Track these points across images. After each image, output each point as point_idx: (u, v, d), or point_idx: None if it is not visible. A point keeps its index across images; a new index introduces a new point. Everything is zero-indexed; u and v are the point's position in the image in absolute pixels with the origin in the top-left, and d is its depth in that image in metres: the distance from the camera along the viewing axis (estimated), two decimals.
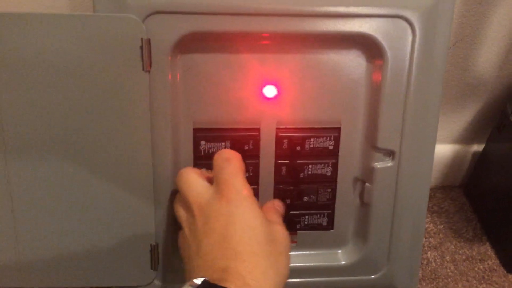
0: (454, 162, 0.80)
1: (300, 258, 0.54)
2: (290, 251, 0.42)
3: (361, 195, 0.52)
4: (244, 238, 0.38)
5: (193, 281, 0.34)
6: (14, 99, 0.44)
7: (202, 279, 0.34)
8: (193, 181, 0.43)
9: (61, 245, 0.49)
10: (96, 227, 0.48)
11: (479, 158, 0.78)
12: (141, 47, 0.43)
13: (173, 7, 0.43)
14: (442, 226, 0.75)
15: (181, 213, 0.44)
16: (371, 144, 0.50)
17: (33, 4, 0.54)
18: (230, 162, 0.43)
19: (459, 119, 0.76)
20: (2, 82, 0.43)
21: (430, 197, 0.81)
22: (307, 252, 0.54)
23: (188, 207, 0.42)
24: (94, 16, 0.42)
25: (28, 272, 0.49)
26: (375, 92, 0.48)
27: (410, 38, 0.46)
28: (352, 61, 0.48)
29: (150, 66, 0.44)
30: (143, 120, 0.45)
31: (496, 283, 0.66)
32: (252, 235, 0.38)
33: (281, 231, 0.42)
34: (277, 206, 0.48)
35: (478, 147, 0.79)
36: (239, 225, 0.38)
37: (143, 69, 0.44)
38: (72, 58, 0.43)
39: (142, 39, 0.43)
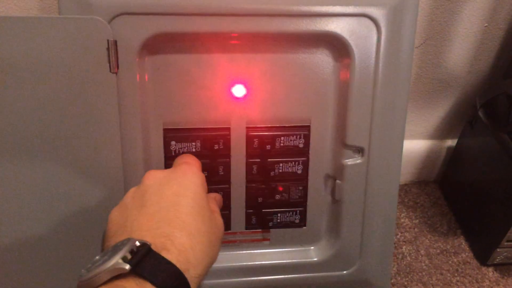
0: (429, 158, 0.81)
1: (274, 255, 0.55)
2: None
3: (333, 192, 0.53)
4: (193, 212, 0.37)
5: (133, 240, 0.33)
6: None
7: (143, 241, 0.33)
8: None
9: (44, 242, 0.48)
10: (70, 228, 0.48)
11: (452, 153, 0.80)
12: (108, 49, 0.43)
13: (139, 8, 0.43)
14: (417, 221, 0.77)
15: (129, 190, 0.42)
16: (341, 142, 0.51)
17: (4, 5, 0.54)
18: (189, 159, 0.44)
19: (432, 114, 0.77)
20: None
21: (406, 192, 0.82)
22: (280, 250, 0.55)
23: (140, 183, 0.42)
24: (60, 18, 0.42)
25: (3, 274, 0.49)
26: (343, 90, 0.49)
27: (375, 36, 0.47)
28: (320, 60, 0.49)
29: (118, 67, 0.44)
30: (112, 122, 0.45)
31: (470, 276, 0.68)
32: (199, 212, 0.38)
33: (219, 219, 0.42)
34: (217, 197, 0.48)
35: (452, 142, 0.80)
36: (191, 199, 0.38)
37: (110, 71, 0.44)
38: (39, 60, 0.42)
39: (108, 40, 0.43)
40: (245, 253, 0.54)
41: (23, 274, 0.49)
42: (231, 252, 0.54)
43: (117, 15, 0.43)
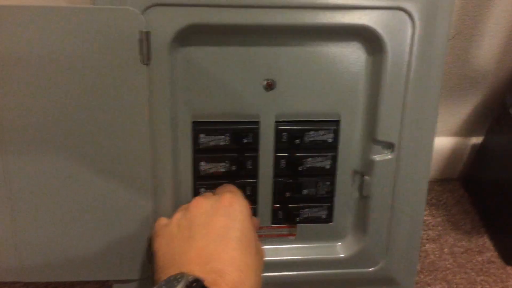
0: (453, 155, 0.80)
1: (299, 251, 0.54)
2: None
3: (360, 188, 0.52)
4: (241, 247, 0.38)
5: (186, 275, 0.33)
6: (12, 94, 0.43)
7: (196, 277, 0.33)
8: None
9: (60, 239, 0.48)
10: (95, 221, 0.48)
11: (478, 151, 0.78)
12: (140, 40, 0.43)
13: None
14: (440, 219, 0.76)
15: (174, 216, 0.43)
16: (371, 137, 0.50)
17: None
18: (232, 188, 0.45)
19: (458, 111, 0.76)
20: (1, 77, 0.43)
21: (429, 190, 0.81)
22: (306, 245, 0.55)
23: (185, 209, 0.42)
24: (92, 9, 0.42)
25: (27, 266, 0.49)
26: (374, 84, 0.48)
27: (410, 30, 0.46)
28: (352, 54, 0.48)
29: (149, 59, 0.44)
30: (142, 114, 0.45)
31: (495, 275, 0.67)
32: (248, 246, 0.38)
33: (261, 247, 0.43)
34: (256, 223, 0.48)
35: (477, 140, 0.79)
36: (239, 231, 0.39)
37: (142, 62, 0.43)
38: (70, 51, 0.42)
39: (141, 31, 0.42)
40: (270, 248, 0.54)
41: (45, 270, 0.49)
42: None
43: (151, 6, 0.43)
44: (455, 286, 0.65)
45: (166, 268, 0.37)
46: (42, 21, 0.41)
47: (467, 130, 0.79)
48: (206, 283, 0.33)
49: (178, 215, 0.41)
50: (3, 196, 0.46)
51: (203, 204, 0.41)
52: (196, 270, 0.35)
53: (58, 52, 0.42)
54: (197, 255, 0.37)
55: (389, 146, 0.50)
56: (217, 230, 0.38)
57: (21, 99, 0.44)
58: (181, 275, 0.33)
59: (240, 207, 0.41)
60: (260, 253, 0.41)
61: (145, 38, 0.43)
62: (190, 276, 0.33)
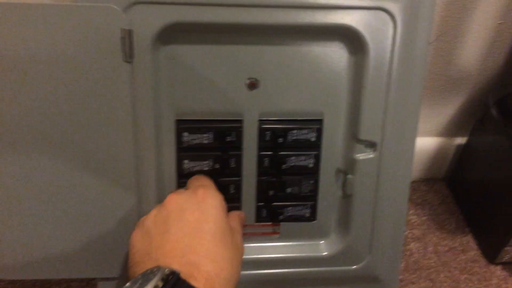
0: (438, 155, 0.81)
1: (283, 249, 0.54)
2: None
3: (344, 187, 0.53)
4: (215, 239, 0.38)
5: (162, 268, 0.34)
6: None
7: (172, 269, 0.34)
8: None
9: (44, 237, 0.48)
10: (79, 219, 0.48)
11: (462, 151, 0.79)
12: (122, 38, 0.43)
13: None
14: (425, 218, 0.76)
15: (149, 213, 0.43)
16: (353, 136, 0.50)
17: None
18: (204, 181, 0.45)
19: (443, 112, 0.77)
20: None
21: (414, 190, 0.82)
22: (289, 243, 0.55)
23: (160, 206, 0.42)
24: (74, 6, 0.42)
25: (11, 264, 0.49)
26: (357, 84, 0.49)
27: (391, 30, 0.47)
28: (334, 53, 0.48)
29: (132, 57, 0.44)
30: (125, 112, 0.45)
31: (478, 273, 0.68)
32: (222, 238, 0.39)
33: (240, 240, 0.44)
34: (241, 215, 0.49)
35: (461, 140, 0.80)
36: (213, 224, 0.39)
37: (124, 60, 0.43)
38: (52, 49, 0.42)
39: (123, 29, 0.42)
40: (254, 246, 0.54)
41: (30, 268, 0.49)
42: None
43: (133, 4, 0.43)
44: (439, 284, 0.66)
45: (142, 263, 0.37)
46: (23, 18, 0.41)
47: (451, 130, 0.80)
48: (182, 275, 0.33)
49: (153, 212, 0.42)
50: None
51: (177, 200, 0.41)
52: (172, 263, 0.35)
53: (40, 50, 0.42)
54: (172, 248, 0.37)
55: (372, 145, 0.50)
56: (191, 224, 0.38)
57: (5, 97, 0.43)
58: (157, 268, 0.33)
59: (213, 201, 0.41)
60: (236, 245, 0.41)
61: (128, 36, 0.43)
62: (166, 268, 0.33)
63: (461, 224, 0.76)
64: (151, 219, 0.41)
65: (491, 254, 0.69)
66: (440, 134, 0.80)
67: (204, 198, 0.41)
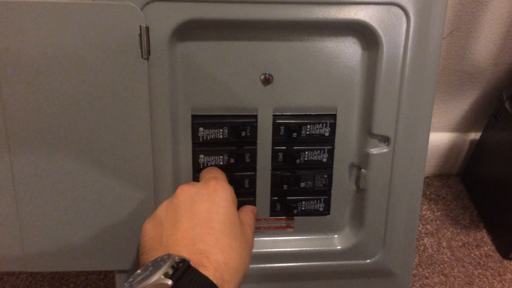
0: (452, 151, 0.81)
1: (297, 242, 0.55)
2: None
3: (357, 181, 0.53)
4: (225, 229, 0.39)
5: (173, 256, 0.34)
6: (16, 92, 0.44)
7: (182, 257, 0.34)
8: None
9: (65, 231, 0.50)
10: (99, 214, 0.49)
11: (476, 146, 0.79)
12: (140, 35, 0.44)
13: None
14: (439, 213, 0.76)
15: (161, 204, 0.44)
16: (367, 131, 0.51)
17: None
18: (216, 173, 0.45)
19: (457, 107, 0.77)
20: (3, 75, 0.44)
21: (428, 185, 0.82)
22: (304, 237, 0.55)
23: (172, 196, 0.43)
24: (93, 4, 0.43)
25: (32, 256, 0.50)
26: (370, 79, 0.49)
27: (404, 25, 0.47)
28: (348, 48, 0.49)
29: (149, 53, 0.45)
30: (143, 107, 0.46)
31: (492, 269, 0.68)
32: (231, 229, 0.39)
33: (250, 233, 0.44)
34: (254, 210, 0.49)
35: (475, 135, 0.80)
36: (223, 215, 0.40)
37: (142, 57, 0.44)
38: (71, 47, 0.43)
39: (140, 26, 0.43)
40: (269, 239, 0.55)
41: (50, 260, 0.51)
42: (256, 239, 0.54)
43: (150, 2, 0.44)
44: (452, 279, 0.66)
45: (153, 250, 0.38)
46: (42, 17, 0.42)
47: (465, 125, 0.79)
48: (192, 263, 0.34)
49: (165, 203, 0.43)
50: (9, 188, 0.48)
51: (189, 190, 0.42)
52: (182, 251, 0.36)
53: (59, 49, 0.43)
54: (183, 237, 0.38)
55: (385, 139, 0.51)
56: (202, 214, 0.39)
57: (25, 97, 0.45)
58: (168, 256, 0.34)
59: (223, 193, 0.42)
60: (246, 239, 0.42)
61: (145, 33, 0.44)
62: (176, 256, 0.34)
63: (475, 220, 0.76)
64: (162, 209, 0.42)
65: (505, 249, 0.69)
66: (454, 129, 0.80)
67: (215, 190, 0.42)
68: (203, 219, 0.39)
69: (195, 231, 0.38)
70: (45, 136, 0.46)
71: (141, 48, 0.44)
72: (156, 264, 0.33)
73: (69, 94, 0.45)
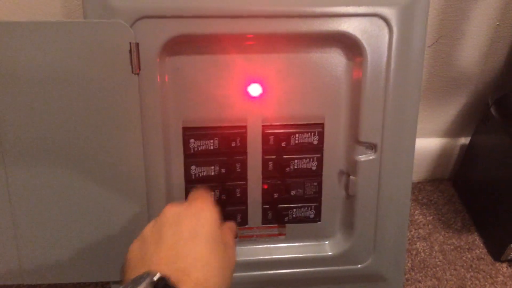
0: (443, 155, 0.82)
1: (289, 249, 0.56)
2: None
3: (346, 188, 0.54)
4: (208, 247, 0.39)
5: (152, 273, 0.35)
6: (10, 106, 0.46)
7: (162, 275, 0.35)
8: None
9: (59, 243, 0.51)
10: (93, 225, 0.50)
11: (466, 151, 0.80)
12: (130, 51, 0.45)
13: (159, 12, 0.45)
14: (431, 218, 0.77)
15: (148, 223, 0.44)
16: (354, 138, 0.52)
17: (28, 13, 0.57)
18: (203, 194, 0.46)
19: (446, 112, 0.78)
20: None
21: (420, 190, 0.83)
22: (295, 244, 0.57)
23: (158, 216, 0.43)
24: (84, 23, 0.44)
25: (29, 269, 0.51)
26: (356, 88, 0.51)
27: (387, 35, 0.48)
28: (333, 59, 0.50)
29: (139, 68, 0.46)
30: (134, 121, 0.47)
31: (484, 271, 0.68)
32: (214, 247, 0.40)
33: (232, 252, 0.44)
34: (233, 227, 0.49)
35: (465, 140, 0.81)
36: (206, 234, 0.40)
37: (132, 72, 0.46)
38: (64, 63, 0.45)
39: (130, 43, 0.45)
40: (262, 247, 0.56)
41: (46, 272, 0.52)
42: (248, 247, 0.56)
43: (139, 19, 0.45)
44: (445, 282, 0.67)
45: (136, 268, 0.38)
46: (36, 35, 0.44)
47: (455, 131, 0.81)
48: (172, 279, 0.35)
49: (151, 222, 0.43)
50: (4, 202, 0.49)
51: (174, 209, 0.43)
52: (163, 269, 0.36)
53: (53, 65, 0.45)
54: (165, 255, 0.38)
55: (372, 146, 0.52)
56: (186, 232, 0.40)
57: (19, 111, 0.46)
58: (147, 273, 0.34)
59: (208, 213, 0.42)
60: (228, 258, 0.42)
61: (135, 49, 0.45)
62: (155, 274, 0.34)
63: (466, 223, 0.77)
64: (148, 228, 0.42)
65: (496, 252, 0.70)
66: (444, 134, 0.81)
67: (201, 209, 0.42)
68: (186, 236, 0.39)
69: (177, 249, 0.38)
70: (39, 150, 0.47)
71: (131, 63, 0.46)
72: (136, 282, 0.34)
73: (62, 109, 0.46)
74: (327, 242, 0.57)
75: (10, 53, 0.44)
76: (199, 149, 0.51)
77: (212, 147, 0.51)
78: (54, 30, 0.44)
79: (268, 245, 0.56)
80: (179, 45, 0.47)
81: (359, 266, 0.56)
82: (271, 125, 0.52)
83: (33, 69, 0.45)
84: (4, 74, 0.45)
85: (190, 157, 0.52)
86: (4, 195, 0.49)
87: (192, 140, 0.51)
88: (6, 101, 0.46)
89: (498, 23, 0.67)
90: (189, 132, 0.51)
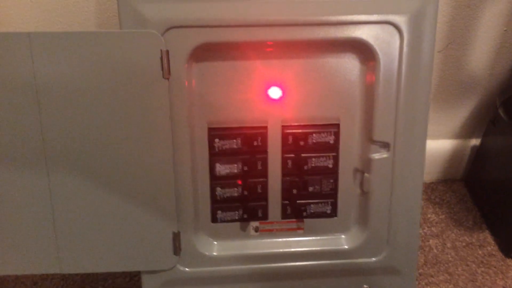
0: (455, 156, 0.85)
1: (307, 243, 0.59)
2: None
3: (361, 185, 0.58)
4: None
5: None
6: (53, 114, 0.50)
7: None
8: None
9: (95, 235, 0.55)
10: (126, 218, 0.54)
11: (477, 152, 0.83)
12: (161, 58, 0.49)
13: (187, 22, 0.50)
14: (443, 216, 0.80)
15: None
16: (368, 138, 0.55)
17: (64, 24, 0.61)
18: None
19: (457, 115, 0.81)
20: (41, 100, 0.50)
21: (433, 190, 0.86)
22: (313, 238, 0.60)
23: None
24: (119, 33, 0.49)
25: (66, 258, 0.55)
26: (369, 91, 0.54)
27: (398, 41, 0.52)
28: (348, 64, 0.54)
29: (169, 74, 0.50)
30: (164, 122, 0.51)
31: (495, 267, 0.71)
32: None
33: None
34: None
35: (476, 141, 0.83)
36: None
37: (163, 77, 0.50)
38: (100, 71, 0.49)
39: (161, 50, 0.49)
40: (281, 240, 0.59)
41: (82, 263, 0.56)
42: (268, 240, 0.59)
43: (169, 28, 0.49)
44: (457, 277, 0.69)
45: None
46: (76, 45, 0.48)
47: (466, 132, 0.83)
48: None
49: None
50: (46, 198, 0.53)
51: None
52: None
53: (91, 74, 0.49)
54: None
55: (385, 145, 0.55)
56: None
57: (60, 120, 0.51)
58: None
59: None
60: None
61: (165, 56, 0.49)
62: None
63: (478, 221, 0.79)
64: None
65: (507, 248, 0.72)
66: (456, 136, 0.84)
67: None
68: None
69: None
70: (78, 154, 0.52)
71: (162, 69, 0.50)
72: None
73: (100, 115, 0.51)
74: (343, 236, 0.60)
75: (51, 64, 0.49)
76: (223, 148, 0.55)
77: (235, 146, 0.55)
78: (93, 40, 0.48)
79: (287, 239, 0.60)
80: (205, 52, 0.52)
81: (373, 259, 0.59)
82: (290, 126, 0.55)
83: (73, 78, 0.49)
84: (46, 83, 0.49)
85: (215, 156, 0.55)
86: (46, 192, 0.53)
87: (216, 140, 0.55)
88: (48, 109, 0.50)
89: (505, 29, 0.70)
90: (214, 132, 0.55)
